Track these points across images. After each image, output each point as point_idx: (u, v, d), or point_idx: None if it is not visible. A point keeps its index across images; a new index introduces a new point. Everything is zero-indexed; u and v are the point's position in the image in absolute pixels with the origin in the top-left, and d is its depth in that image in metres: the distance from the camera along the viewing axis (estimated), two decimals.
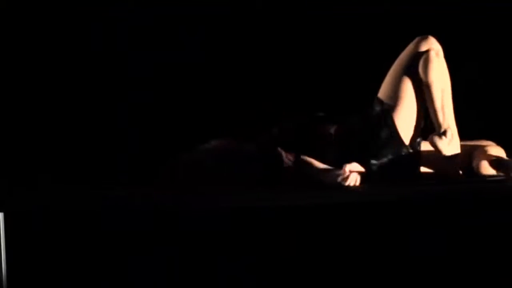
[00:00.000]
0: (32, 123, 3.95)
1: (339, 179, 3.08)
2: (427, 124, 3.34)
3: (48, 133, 3.95)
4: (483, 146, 3.34)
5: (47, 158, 3.90)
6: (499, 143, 3.41)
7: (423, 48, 3.27)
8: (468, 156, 3.32)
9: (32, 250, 3.73)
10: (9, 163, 3.87)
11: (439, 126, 3.23)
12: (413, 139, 3.30)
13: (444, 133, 3.21)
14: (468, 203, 3.65)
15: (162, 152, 3.72)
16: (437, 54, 3.25)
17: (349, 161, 3.15)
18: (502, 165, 3.25)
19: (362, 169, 3.18)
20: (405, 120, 3.27)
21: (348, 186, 3.07)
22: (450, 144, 3.22)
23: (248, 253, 3.76)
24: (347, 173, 3.09)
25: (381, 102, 3.30)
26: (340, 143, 3.28)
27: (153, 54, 3.98)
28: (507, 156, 3.33)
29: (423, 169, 3.32)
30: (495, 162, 3.28)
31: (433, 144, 3.21)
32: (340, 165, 3.13)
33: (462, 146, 3.28)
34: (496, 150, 3.34)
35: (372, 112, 3.31)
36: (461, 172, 3.34)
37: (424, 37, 3.29)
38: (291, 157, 3.22)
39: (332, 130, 3.32)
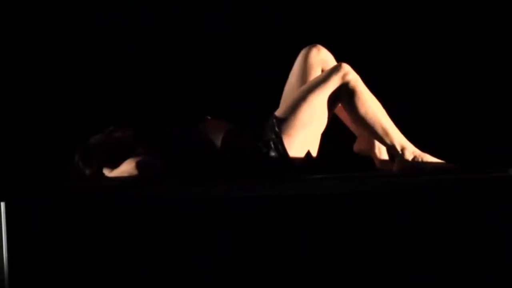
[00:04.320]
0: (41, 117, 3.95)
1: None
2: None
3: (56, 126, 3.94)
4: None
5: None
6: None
7: (339, 82, 3.09)
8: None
9: (35, 241, 3.70)
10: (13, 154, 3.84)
11: (392, 146, 3.11)
12: (304, 161, 3.15)
13: (403, 152, 3.10)
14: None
15: None
16: (356, 85, 3.09)
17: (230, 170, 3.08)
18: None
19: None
20: (300, 146, 3.12)
21: None
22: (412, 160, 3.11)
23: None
24: None
25: (277, 123, 3.11)
26: (226, 151, 3.13)
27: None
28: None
29: None
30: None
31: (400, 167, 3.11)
32: (221, 172, 3.08)
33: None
34: None
35: (265, 131, 3.11)
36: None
37: (338, 68, 3.10)
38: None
39: (221, 136, 3.14)
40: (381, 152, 3.29)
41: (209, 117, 3.25)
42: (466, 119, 3.95)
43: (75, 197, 2.89)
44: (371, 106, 3.09)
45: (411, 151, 3.09)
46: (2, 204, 2.89)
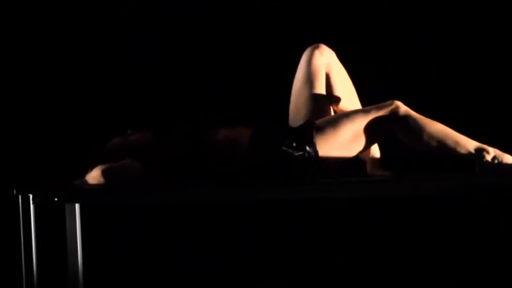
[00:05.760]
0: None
1: None
2: None
3: None
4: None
5: None
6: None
7: (389, 111, 3.02)
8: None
9: (106, 240, 3.77)
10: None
11: (469, 153, 3.03)
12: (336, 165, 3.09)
13: (480, 154, 3.03)
14: None
15: None
16: (410, 114, 3.03)
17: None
18: None
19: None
20: (334, 160, 3.07)
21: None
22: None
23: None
24: None
25: (316, 134, 3.05)
26: (252, 152, 3.04)
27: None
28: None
29: None
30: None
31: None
32: (248, 174, 3.00)
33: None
34: None
35: (300, 141, 3.04)
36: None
37: (390, 102, 3.04)
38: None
39: (246, 136, 3.06)
40: (375, 155, 3.29)
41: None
42: None
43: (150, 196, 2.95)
44: (431, 126, 3.02)
45: (489, 152, 3.03)
46: (77, 205, 2.96)
